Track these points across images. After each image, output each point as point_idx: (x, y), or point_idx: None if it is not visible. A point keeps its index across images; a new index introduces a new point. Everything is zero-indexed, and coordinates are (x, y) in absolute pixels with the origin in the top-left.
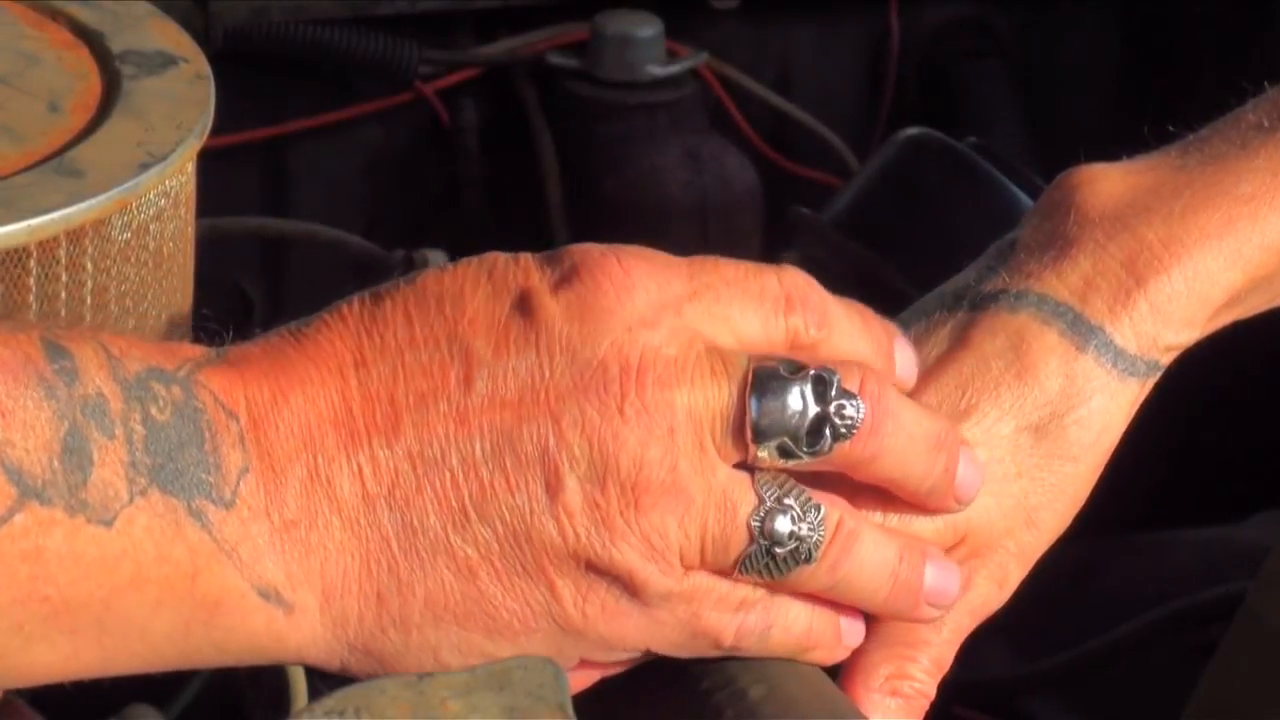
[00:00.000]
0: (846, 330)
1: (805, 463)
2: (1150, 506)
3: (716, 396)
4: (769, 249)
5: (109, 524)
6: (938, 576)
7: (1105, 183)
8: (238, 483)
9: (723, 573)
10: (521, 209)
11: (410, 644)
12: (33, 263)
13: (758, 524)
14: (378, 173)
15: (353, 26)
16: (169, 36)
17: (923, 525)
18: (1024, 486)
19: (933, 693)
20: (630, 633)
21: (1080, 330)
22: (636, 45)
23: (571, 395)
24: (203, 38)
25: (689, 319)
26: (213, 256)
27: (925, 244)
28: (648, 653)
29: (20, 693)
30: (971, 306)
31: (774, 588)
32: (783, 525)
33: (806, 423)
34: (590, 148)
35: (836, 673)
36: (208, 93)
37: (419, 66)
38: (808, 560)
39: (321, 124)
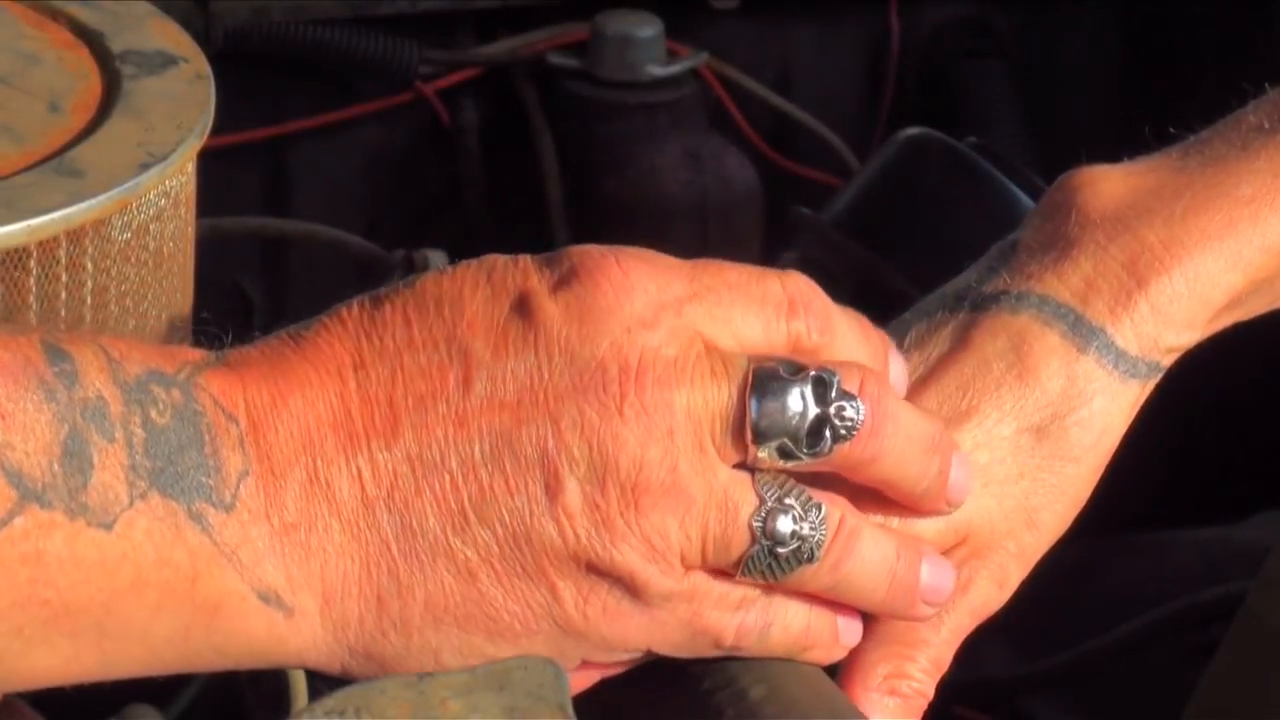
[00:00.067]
0: (847, 336)
1: (805, 464)
2: (1150, 507)
3: (716, 397)
4: (769, 249)
5: (109, 527)
6: (933, 574)
7: (1106, 184)
8: (238, 486)
9: (724, 573)
10: (522, 209)
11: (411, 647)
12: (33, 263)
13: (759, 524)
14: (378, 173)
15: (353, 26)
16: (169, 36)
17: (924, 526)
18: (1025, 488)
19: (931, 692)
20: (632, 633)
21: (1081, 331)
22: (637, 45)
23: (570, 396)
24: (203, 38)
25: (689, 320)
26: (213, 256)
27: (925, 244)
28: (649, 653)
29: (20, 693)
30: (973, 307)
31: (776, 588)
32: (784, 525)
33: (806, 424)
34: (590, 148)
35: (834, 672)
36: (208, 93)
37: (419, 66)
38: (810, 559)
39: (322, 124)
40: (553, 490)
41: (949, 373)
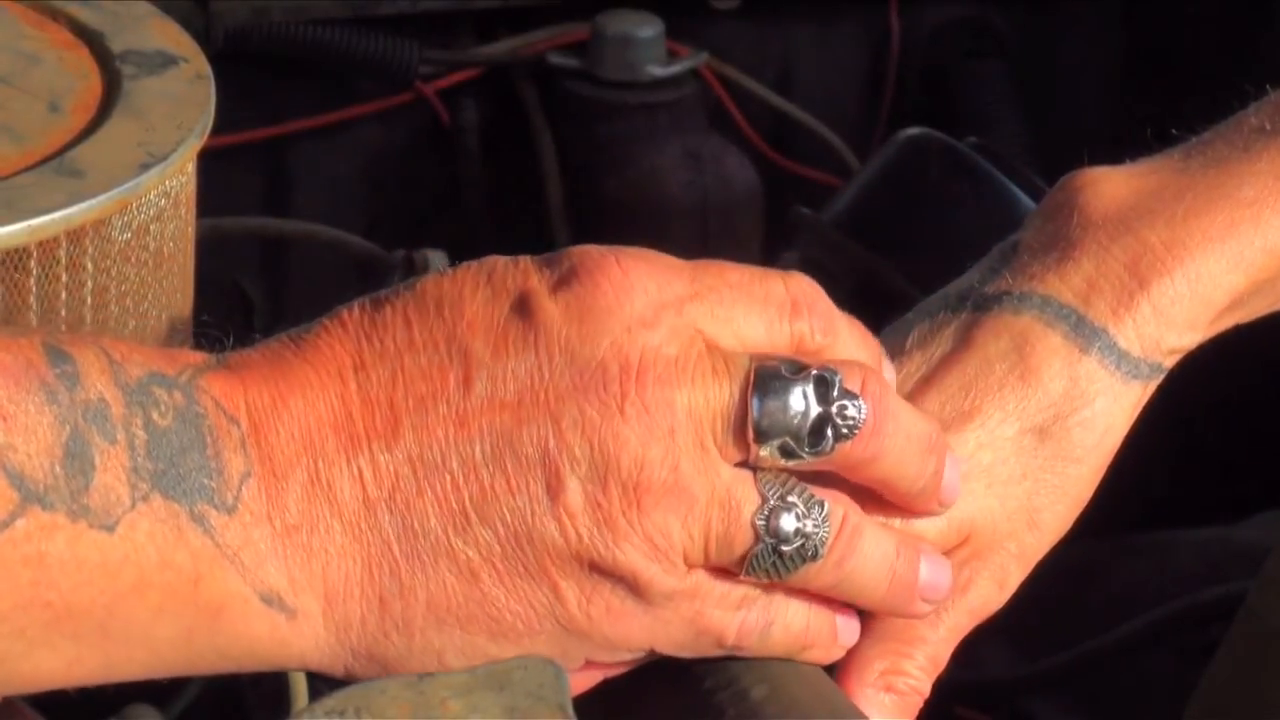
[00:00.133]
0: (848, 339)
1: (807, 462)
2: (1150, 507)
3: (718, 396)
4: (769, 249)
5: (111, 529)
6: (931, 571)
7: (1108, 185)
8: (239, 488)
9: (726, 572)
10: (522, 209)
11: (413, 648)
12: (33, 263)
13: (762, 522)
14: (378, 173)
15: (353, 26)
16: (169, 36)
17: (926, 526)
18: (1028, 488)
19: (927, 690)
20: (635, 633)
21: (1084, 332)
22: (637, 45)
23: (571, 396)
24: (203, 38)
25: (690, 319)
26: (213, 256)
27: (925, 244)
28: (651, 653)
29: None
30: (975, 308)
31: (780, 586)
32: (788, 523)
33: (809, 423)
34: (591, 148)
35: (831, 671)
36: (208, 93)
37: (419, 66)
38: (814, 557)
39: (322, 124)
40: (554, 490)
41: (951, 373)
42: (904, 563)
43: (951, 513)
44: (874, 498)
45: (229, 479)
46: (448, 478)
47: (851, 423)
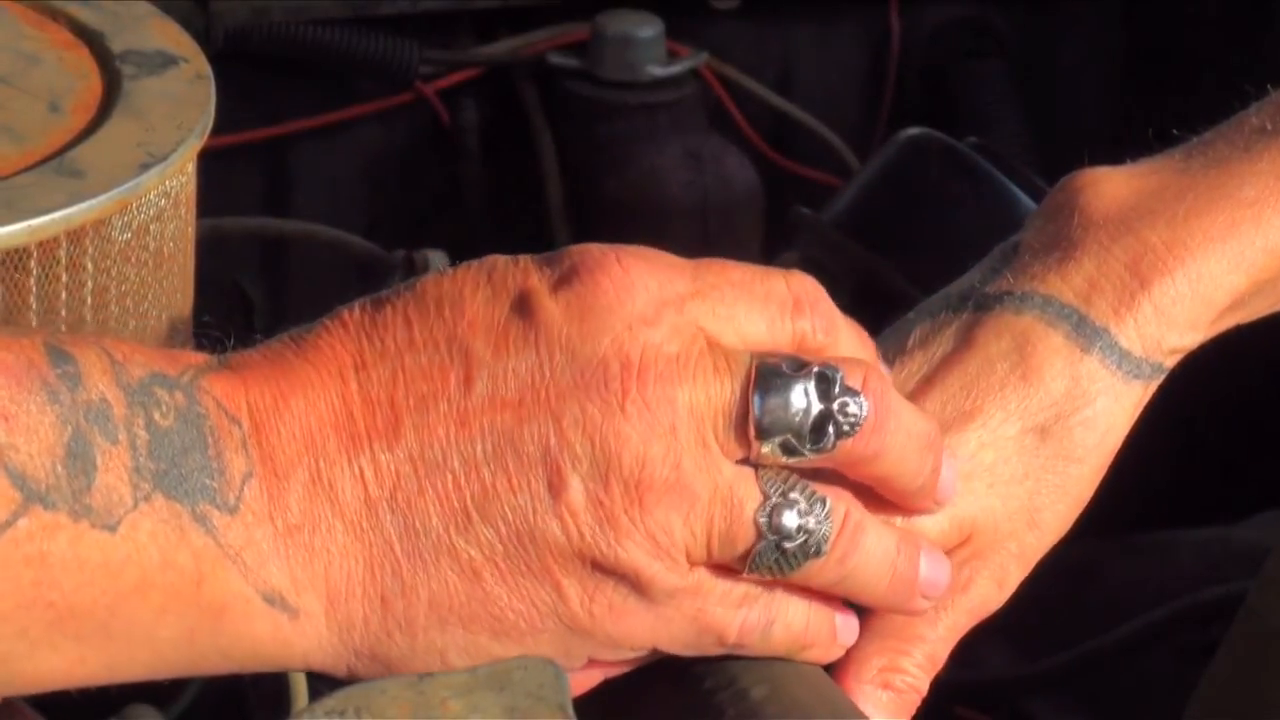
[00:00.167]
0: (849, 338)
1: (808, 459)
2: (1150, 507)
3: (719, 393)
4: (769, 249)
5: (113, 529)
6: (930, 568)
7: (1108, 185)
8: (241, 488)
9: (730, 570)
10: (522, 209)
11: (416, 647)
12: (33, 263)
13: (765, 519)
14: (378, 173)
15: (353, 26)
16: (169, 36)
17: (928, 525)
18: (1029, 488)
19: (925, 688)
20: (638, 631)
21: (1085, 332)
22: (637, 45)
23: (572, 394)
24: (203, 38)
25: (691, 317)
26: (213, 256)
27: (925, 244)
28: (654, 651)
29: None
30: (976, 307)
31: (784, 584)
32: (790, 520)
33: (810, 420)
34: (591, 148)
35: (830, 670)
36: (208, 93)
37: (419, 66)
38: (816, 554)
39: (322, 124)
40: (556, 488)
41: (953, 372)
42: (904, 559)
43: (953, 512)
44: (872, 496)
45: (231, 479)
46: (449, 477)
47: (853, 420)
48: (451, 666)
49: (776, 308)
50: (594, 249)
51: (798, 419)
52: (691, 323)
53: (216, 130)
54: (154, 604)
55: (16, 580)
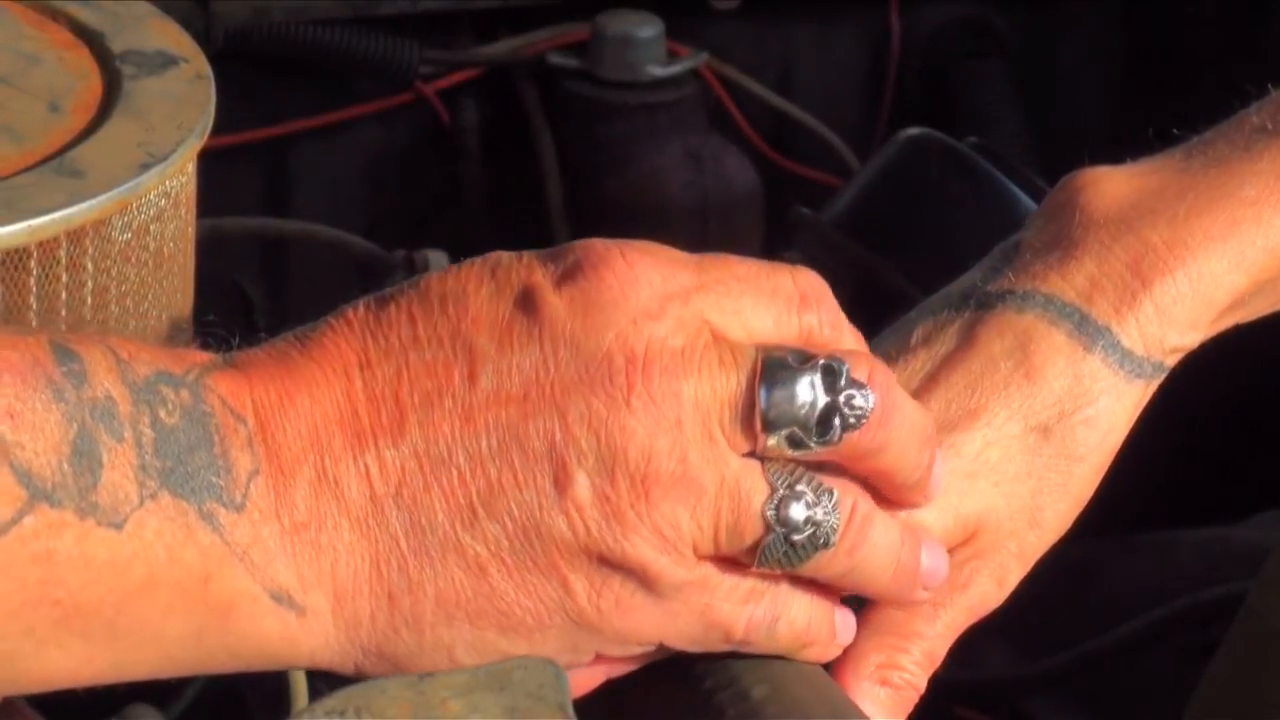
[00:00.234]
0: (852, 334)
1: (815, 452)
2: (1150, 506)
3: (725, 386)
4: (769, 249)
5: (119, 527)
6: (929, 558)
7: (1109, 185)
8: (248, 485)
9: (738, 564)
10: (522, 209)
11: (424, 644)
12: (33, 263)
13: (772, 512)
14: (378, 173)
15: (353, 26)
16: (169, 36)
17: (932, 523)
18: (1032, 487)
19: (923, 686)
20: (645, 626)
21: (1087, 331)
22: (637, 45)
23: (577, 388)
24: (203, 38)
25: (696, 310)
26: (213, 256)
27: (925, 244)
28: (661, 647)
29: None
30: (978, 306)
31: (792, 576)
32: (798, 512)
33: (816, 413)
34: (591, 148)
35: (828, 668)
36: (208, 93)
37: (419, 66)
38: (825, 545)
39: (322, 124)
40: (561, 483)
41: (957, 371)
42: (908, 550)
43: (959, 510)
44: (872, 490)
45: (237, 477)
46: (454, 473)
47: (859, 412)
48: (459, 663)
49: (783, 302)
50: (598, 244)
51: (804, 411)
52: (697, 316)
53: (216, 130)
54: (161, 602)
55: (23, 578)
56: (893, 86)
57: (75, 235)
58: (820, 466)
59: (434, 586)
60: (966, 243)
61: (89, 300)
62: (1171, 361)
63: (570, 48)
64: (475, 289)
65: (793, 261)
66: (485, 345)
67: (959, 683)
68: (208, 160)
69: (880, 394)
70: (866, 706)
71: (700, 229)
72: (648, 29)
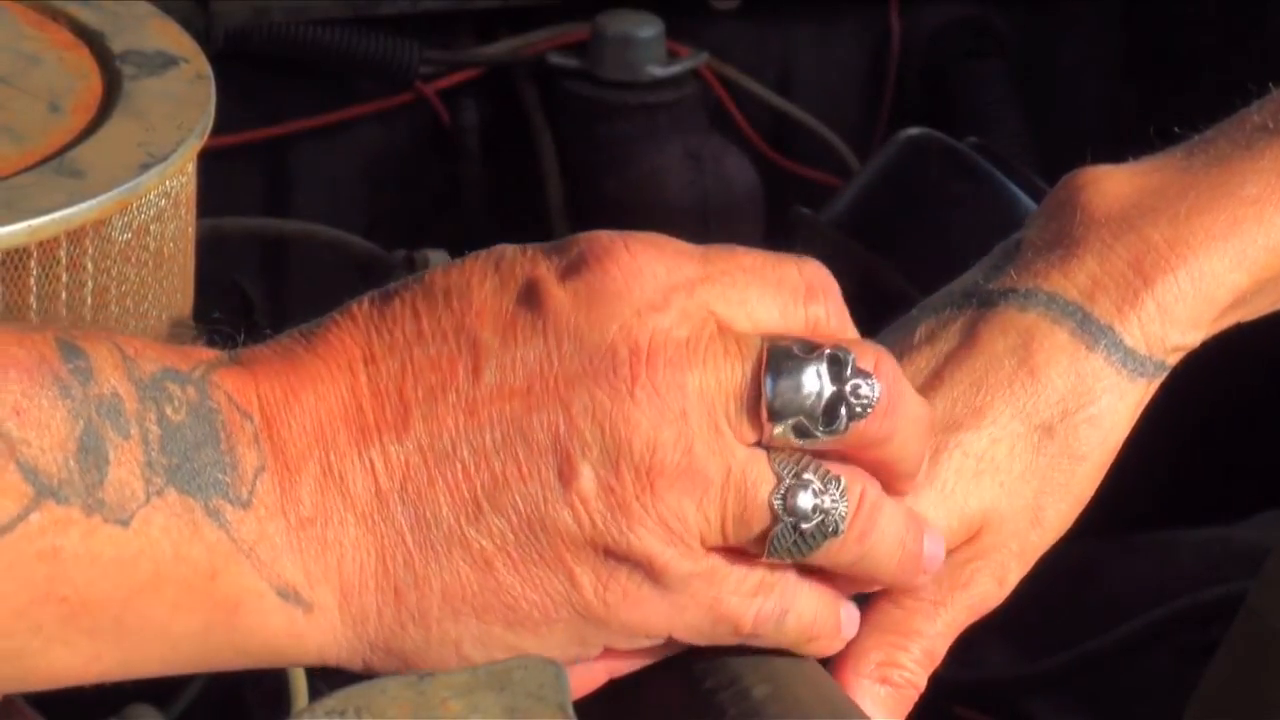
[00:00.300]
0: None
1: (821, 442)
2: (1150, 506)
3: (730, 377)
4: (769, 249)
5: (126, 523)
6: (931, 544)
7: (1110, 184)
8: (254, 482)
9: (747, 555)
10: (522, 209)
11: (430, 639)
12: (33, 263)
13: (779, 501)
14: (378, 173)
15: (353, 26)
16: (170, 37)
17: (937, 521)
18: (1035, 486)
19: (923, 684)
20: (653, 619)
21: (1090, 330)
22: (637, 45)
23: (581, 381)
24: (203, 38)
25: (701, 301)
26: (213, 256)
27: (925, 244)
28: (669, 641)
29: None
30: (980, 304)
31: (800, 568)
32: (805, 501)
33: (823, 402)
34: (591, 148)
35: (827, 664)
36: (208, 93)
37: (419, 66)
38: (834, 533)
39: (322, 124)
40: (566, 476)
41: (961, 368)
42: (912, 536)
43: (965, 509)
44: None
45: (243, 473)
46: (459, 466)
47: (865, 402)
48: (466, 658)
49: (789, 293)
50: (602, 236)
51: (810, 401)
52: (702, 307)
53: (216, 130)
54: (167, 599)
55: (29, 575)
56: (893, 86)
57: (75, 235)
58: (825, 455)
59: (440, 581)
60: (966, 243)
61: (89, 300)
62: (1173, 360)
63: (570, 48)
64: (479, 283)
65: None
66: (489, 339)
67: (959, 682)
68: (208, 160)
69: (886, 383)
70: (866, 704)
71: (700, 229)
72: (648, 29)
